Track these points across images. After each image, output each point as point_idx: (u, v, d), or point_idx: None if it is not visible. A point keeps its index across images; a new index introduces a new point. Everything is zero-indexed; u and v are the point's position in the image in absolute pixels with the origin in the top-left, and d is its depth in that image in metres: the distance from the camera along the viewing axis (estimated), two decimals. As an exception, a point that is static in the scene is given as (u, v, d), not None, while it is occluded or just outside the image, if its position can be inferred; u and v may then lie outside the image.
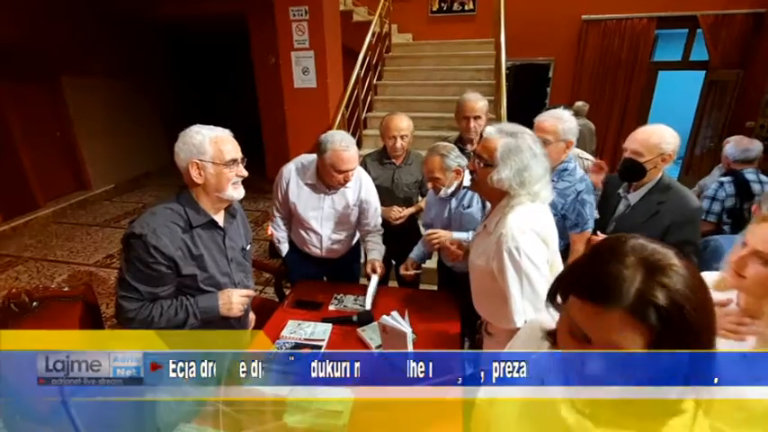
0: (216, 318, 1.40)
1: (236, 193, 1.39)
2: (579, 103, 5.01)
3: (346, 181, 1.88)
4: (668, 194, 1.66)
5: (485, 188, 1.36)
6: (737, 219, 2.39)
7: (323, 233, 2.06)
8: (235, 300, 1.42)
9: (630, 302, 0.55)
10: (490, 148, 1.31)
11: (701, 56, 5.96)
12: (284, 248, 2.18)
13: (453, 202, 1.96)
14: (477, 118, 2.30)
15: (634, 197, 1.75)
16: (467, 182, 1.86)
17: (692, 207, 1.64)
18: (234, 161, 1.35)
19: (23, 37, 4.96)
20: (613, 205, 1.86)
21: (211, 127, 1.36)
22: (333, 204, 2.01)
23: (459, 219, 1.94)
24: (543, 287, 1.27)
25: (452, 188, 1.88)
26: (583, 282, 0.61)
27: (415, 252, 2.03)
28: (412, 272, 1.98)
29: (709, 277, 1.21)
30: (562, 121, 1.82)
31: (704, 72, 6.03)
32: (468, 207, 1.93)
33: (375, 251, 2.11)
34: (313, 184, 1.97)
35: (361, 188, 2.04)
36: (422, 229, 2.18)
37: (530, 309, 1.27)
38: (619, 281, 0.56)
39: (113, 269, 4.08)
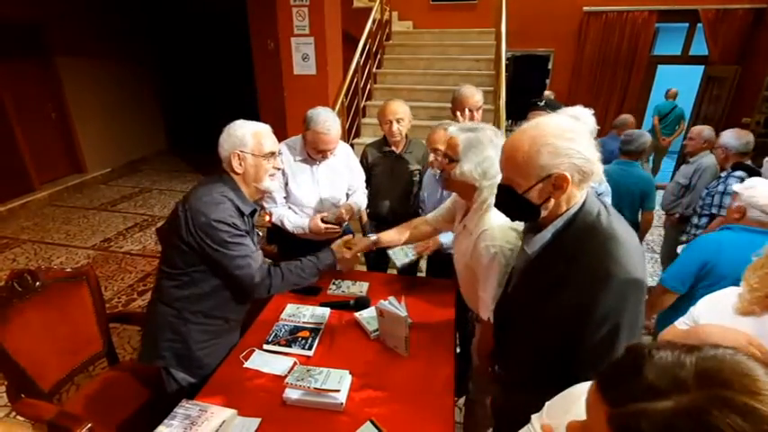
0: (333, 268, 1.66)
1: (272, 184, 1.52)
2: (548, 93, 5.14)
3: (324, 158, 2.05)
4: (582, 245, 0.93)
5: (454, 184, 1.43)
6: None
7: (322, 205, 2.11)
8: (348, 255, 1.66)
9: (617, 410, 0.42)
10: (453, 145, 1.37)
11: (700, 50, 5.97)
12: (291, 218, 2.09)
13: None
14: (478, 110, 2.39)
15: (534, 243, 1.04)
16: None
17: (621, 281, 0.87)
18: (272, 154, 1.47)
19: (16, 12, 4.88)
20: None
21: (252, 122, 1.47)
22: (326, 172, 2.12)
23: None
24: None
25: None
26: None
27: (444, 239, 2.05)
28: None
29: (725, 298, 1.13)
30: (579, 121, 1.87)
31: (703, 67, 6.05)
32: None
33: (351, 201, 2.21)
34: (304, 158, 2.07)
35: (349, 157, 2.24)
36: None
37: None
38: (637, 369, 0.42)
39: (111, 252, 4.09)
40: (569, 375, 0.95)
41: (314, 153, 2.00)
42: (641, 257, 0.93)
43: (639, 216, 2.89)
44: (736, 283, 1.69)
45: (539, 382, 1.03)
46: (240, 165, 1.42)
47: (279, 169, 1.51)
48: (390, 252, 2.04)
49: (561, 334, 0.96)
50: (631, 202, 2.80)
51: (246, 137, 1.41)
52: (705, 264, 1.70)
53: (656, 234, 4.48)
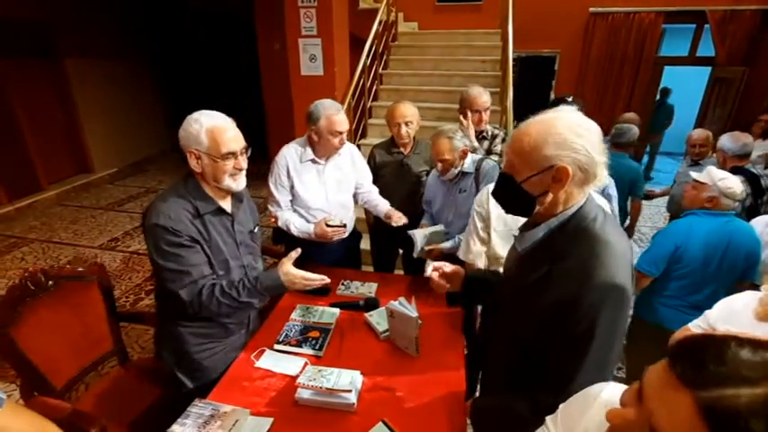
0: (282, 292, 1.59)
1: (235, 184, 1.38)
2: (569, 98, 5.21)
3: (342, 143, 1.99)
4: (571, 247, 0.92)
5: None
6: (754, 216, 2.36)
7: (330, 206, 2.08)
8: (297, 280, 1.39)
9: (706, 392, 0.42)
10: None
11: (707, 52, 5.94)
12: (297, 223, 2.07)
13: (453, 186, 2.06)
14: (486, 111, 2.40)
15: (525, 241, 1.03)
16: (467, 167, 1.99)
17: (602, 282, 0.86)
18: (231, 154, 1.32)
19: (27, 13, 4.93)
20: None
21: (211, 114, 1.33)
22: (333, 172, 2.10)
23: (455, 201, 2.04)
24: (482, 239, 1.76)
25: (459, 168, 1.98)
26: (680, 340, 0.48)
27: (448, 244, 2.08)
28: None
29: (743, 303, 1.10)
30: None
31: (710, 68, 6.02)
32: (463, 191, 2.02)
33: (381, 204, 2.22)
34: (311, 159, 2.04)
35: (354, 155, 2.21)
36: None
37: (468, 246, 1.78)
38: (721, 358, 0.43)
39: (118, 252, 4.12)
40: (543, 376, 0.97)
41: (329, 144, 1.94)
42: (627, 266, 0.91)
43: (629, 204, 3.10)
44: (707, 264, 1.74)
45: (511, 384, 1.07)
46: (197, 163, 1.33)
47: (241, 170, 1.38)
48: (415, 233, 2.04)
49: (541, 329, 0.95)
50: (622, 190, 3.00)
51: (201, 135, 1.29)
52: (677, 248, 1.84)
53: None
